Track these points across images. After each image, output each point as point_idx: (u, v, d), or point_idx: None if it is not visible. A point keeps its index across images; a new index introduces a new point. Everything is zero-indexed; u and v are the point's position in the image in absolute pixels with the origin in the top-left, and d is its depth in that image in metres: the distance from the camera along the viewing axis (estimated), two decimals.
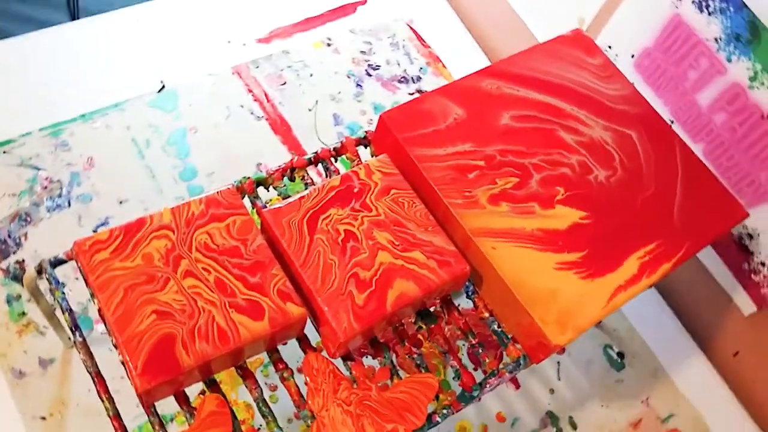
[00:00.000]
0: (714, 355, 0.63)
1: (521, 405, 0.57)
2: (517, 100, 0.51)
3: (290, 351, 0.43)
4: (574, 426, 0.57)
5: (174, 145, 0.61)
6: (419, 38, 0.73)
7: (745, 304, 0.58)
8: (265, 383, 0.53)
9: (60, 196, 0.56)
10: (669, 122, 0.58)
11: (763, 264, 0.56)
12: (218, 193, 0.44)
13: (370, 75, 0.70)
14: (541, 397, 0.57)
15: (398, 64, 0.71)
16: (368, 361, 0.50)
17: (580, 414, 0.57)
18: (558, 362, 0.59)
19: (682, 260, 0.47)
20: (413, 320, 0.46)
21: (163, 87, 0.63)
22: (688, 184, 0.50)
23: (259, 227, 0.44)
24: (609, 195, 0.49)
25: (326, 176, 0.50)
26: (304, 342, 0.44)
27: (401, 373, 0.44)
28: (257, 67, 0.67)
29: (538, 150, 0.49)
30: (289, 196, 0.47)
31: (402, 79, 0.71)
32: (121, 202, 0.57)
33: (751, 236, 0.56)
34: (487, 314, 0.47)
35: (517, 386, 0.57)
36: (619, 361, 0.60)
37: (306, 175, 0.50)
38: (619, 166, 0.50)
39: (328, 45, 0.71)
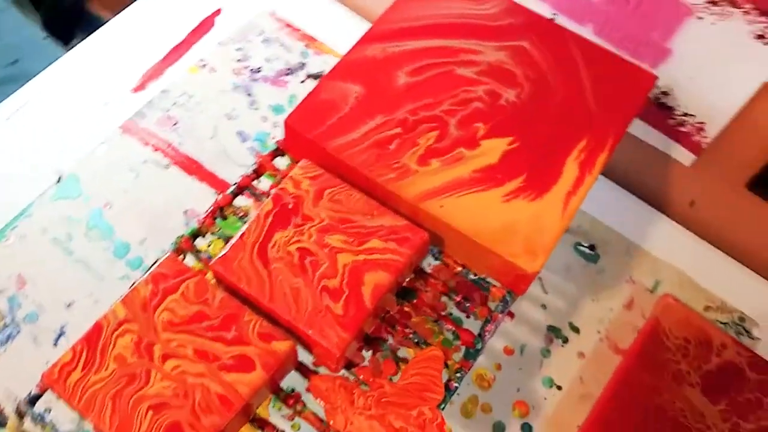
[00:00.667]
0: (673, 212, 0.65)
1: (522, 332, 0.58)
2: (405, 56, 0.51)
3: (291, 378, 0.43)
4: (576, 330, 0.58)
5: (95, 229, 0.58)
6: (288, 25, 0.72)
7: (683, 155, 0.60)
8: (282, 416, 0.52)
9: (6, 326, 0.53)
10: (552, 18, 0.58)
11: (685, 115, 0.57)
12: (160, 265, 0.42)
13: (255, 80, 0.68)
14: (537, 317, 0.59)
15: (278, 58, 0.70)
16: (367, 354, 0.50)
17: (576, 317, 0.59)
18: (540, 278, 0.60)
19: (614, 144, 0.48)
20: (396, 303, 0.46)
21: (61, 177, 0.60)
22: (592, 70, 0.51)
23: (214, 281, 0.43)
24: (525, 112, 0.49)
25: (256, 201, 0.49)
26: (302, 369, 0.43)
27: (404, 351, 0.45)
28: (143, 117, 0.65)
29: (443, 95, 0.49)
30: (228, 237, 0.46)
31: (288, 72, 0.69)
32: (69, 306, 0.55)
33: (666, 93, 0.57)
34: (459, 268, 0.47)
35: (512, 317, 0.58)
36: (592, 254, 0.62)
37: (236, 208, 0.49)
38: (524, 80, 0.50)
39: (203, 66, 0.68)
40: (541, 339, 0.58)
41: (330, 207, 0.45)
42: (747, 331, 0.59)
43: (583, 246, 0.62)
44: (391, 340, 0.45)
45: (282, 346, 0.40)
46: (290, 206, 0.45)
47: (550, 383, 0.56)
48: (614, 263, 0.62)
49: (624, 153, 0.63)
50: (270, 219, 0.44)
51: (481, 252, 0.45)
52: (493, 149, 0.47)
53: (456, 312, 0.56)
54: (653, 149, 0.61)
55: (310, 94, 0.49)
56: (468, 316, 0.52)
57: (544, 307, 0.59)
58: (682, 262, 0.62)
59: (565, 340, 0.58)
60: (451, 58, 0.51)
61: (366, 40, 0.52)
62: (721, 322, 0.60)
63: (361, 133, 0.47)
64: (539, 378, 0.57)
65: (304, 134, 0.47)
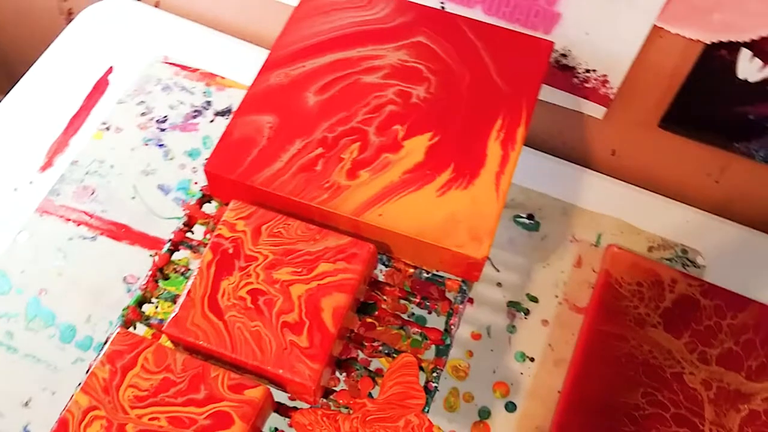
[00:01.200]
0: (598, 165, 0.67)
1: (484, 314, 0.59)
2: (309, 76, 0.51)
3: (273, 419, 0.43)
4: (535, 299, 0.60)
5: (36, 319, 0.56)
6: (184, 68, 0.70)
7: (595, 110, 0.62)
8: None
9: None
10: (441, 7, 0.59)
11: (588, 71, 0.59)
12: (112, 342, 0.41)
13: (164, 130, 0.67)
14: (495, 295, 0.60)
15: (182, 103, 0.68)
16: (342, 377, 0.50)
17: (532, 286, 0.60)
18: (488, 258, 0.61)
19: (529, 116, 0.49)
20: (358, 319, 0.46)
21: None
22: (491, 50, 0.52)
23: (171, 346, 0.42)
24: (438, 105, 0.49)
25: (194, 253, 0.48)
26: (281, 409, 0.43)
27: (378, 362, 0.45)
28: (58, 194, 0.62)
29: (356, 106, 0.49)
30: (175, 296, 0.45)
31: (195, 114, 0.68)
32: (26, 404, 0.53)
33: (565, 55, 0.59)
34: (411, 270, 0.47)
35: (472, 302, 0.59)
36: (532, 222, 0.63)
37: (176, 265, 0.47)
38: (429, 74, 0.51)
39: (108, 129, 0.66)
40: (503, 317, 0.59)
41: (270, 242, 0.44)
42: (692, 262, 0.62)
43: (521, 217, 0.63)
44: (362, 356, 0.45)
45: (256, 393, 0.39)
46: (230, 251, 0.44)
47: (523, 357, 0.57)
48: (554, 226, 0.63)
49: (539, 120, 0.64)
50: (213, 269, 0.43)
51: (428, 249, 0.45)
52: (416, 148, 0.48)
53: (418, 311, 0.56)
54: (565, 110, 0.63)
55: (223, 135, 0.48)
56: (430, 313, 0.52)
57: (499, 285, 0.60)
58: (618, 210, 0.64)
59: (527, 312, 0.59)
60: (355, 68, 0.51)
61: (267, 68, 0.51)
62: (667, 259, 0.62)
63: (284, 161, 0.47)
64: (511, 355, 0.57)
65: (227, 176, 0.47)
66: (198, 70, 0.70)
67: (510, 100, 0.50)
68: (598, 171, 0.66)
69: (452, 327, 0.46)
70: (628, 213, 0.64)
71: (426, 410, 0.42)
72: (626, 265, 0.60)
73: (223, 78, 0.70)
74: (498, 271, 0.61)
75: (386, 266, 0.48)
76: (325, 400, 0.43)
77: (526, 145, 0.63)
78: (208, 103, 0.68)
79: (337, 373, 0.44)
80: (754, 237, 0.63)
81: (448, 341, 0.46)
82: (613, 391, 0.54)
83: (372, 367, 0.45)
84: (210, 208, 0.50)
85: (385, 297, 0.47)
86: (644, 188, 0.65)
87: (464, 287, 0.47)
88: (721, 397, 0.54)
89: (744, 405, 0.54)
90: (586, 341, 0.56)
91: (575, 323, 0.58)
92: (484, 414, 0.55)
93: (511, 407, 0.56)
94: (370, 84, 0.50)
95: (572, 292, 0.60)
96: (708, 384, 0.55)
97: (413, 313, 0.57)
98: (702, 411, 0.54)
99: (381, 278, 0.48)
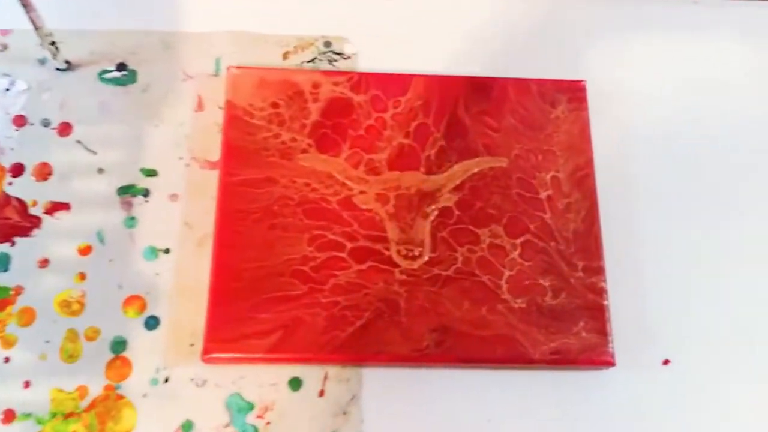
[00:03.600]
0: None
1: (89, 217, 0.43)
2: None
3: None
4: (153, 173, 0.44)
5: None
6: None
7: None
8: None
9: None
10: None
11: None
12: None
13: None
14: (98, 186, 0.43)
15: None
16: None
17: (145, 157, 0.45)
18: (79, 141, 0.44)
19: None
20: None
21: None
22: None
23: None
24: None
25: None
26: None
27: None
28: None
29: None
30: None
31: None
32: None
33: None
34: None
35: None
36: (125, 73, 0.46)
37: None
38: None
39: None
40: (117, 211, 0.43)
41: None
42: (339, 54, 0.48)
43: (109, 71, 0.46)
44: None
45: None
46: None
47: (154, 252, 0.42)
48: (157, 69, 0.46)
49: None
50: None
51: None
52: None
53: None
54: None
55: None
56: None
57: (101, 171, 0.44)
58: (235, 21, 0.48)
59: (146, 193, 0.44)
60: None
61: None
62: (309, 62, 0.47)
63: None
64: (138, 255, 0.42)
65: None
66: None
67: None
68: None
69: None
70: (249, 20, 0.48)
71: None
72: (252, 86, 0.45)
73: None
74: (95, 153, 0.44)
75: None
76: None
77: None
78: None
79: None
80: None
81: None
82: (272, 252, 0.41)
83: None
84: None
85: None
86: None
87: None
88: (401, 208, 0.42)
89: (431, 206, 0.42)
90: (226, 201, 0.42)
91: (212, 184, 0.43)
92: (119, 346, 0.40)
93: (152, 323, 0.41)
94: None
95: (199, 145, 0.45)
96: (384, 197, 0.43)
97: None
98: (384, 233, 0.42)
99: None
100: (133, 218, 0.43)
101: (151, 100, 0.46)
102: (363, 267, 0.41)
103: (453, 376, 0.41)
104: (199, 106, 0.46)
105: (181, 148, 0.45)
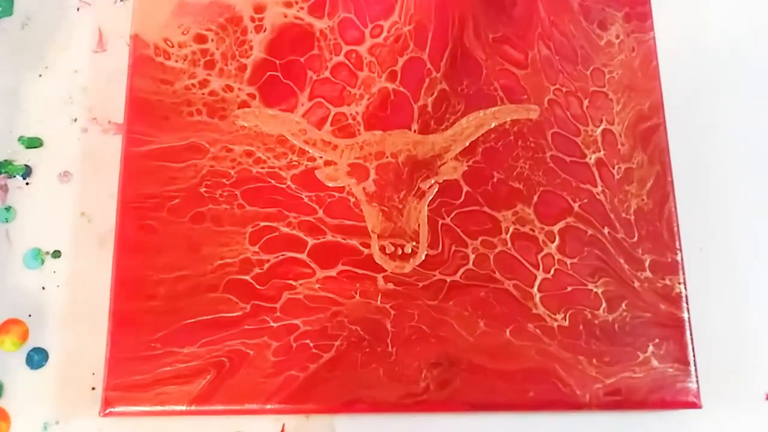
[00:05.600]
0: None
1: None
2: None
3: None
4: (36, 143, 0.32)
5: None
6: None
7: None
8: None
9: None
10: None
11: None
12: None
13: None
14: None
15: None
16: None
17: (25, 121, 0.32)
18: None
19: None
20: None
21: None
22: None
23: None
24: None
25: None
26: None
27: None
28: None
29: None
30: None
31: None
32: None
33: None
34: None
35: None
36: None
37: None
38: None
39: None
40: None
41: None
42: None
43: None
44: None
45: None
46: None
47: (39, 257, 0.30)
48: None
49: None
50: None
51: None
52: None
53: None
54: None
55: None
56: None
57: None
58: None
59: (27, 172, 0.31)
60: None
61: None
62: None
63: None
64: (17, 262, 0.30)
65: None
66: None
67: None
68: None
69: None
70: None
71: None
72: (168, 12, 0.31)
73: None
74: None
75: None
76: None
77: None
78: None
79: None
80: None
81: None
82: (198, 256, 0.28)
83: None
84: None
85: None
86: None
87: None
88: (386, 184, 0.29)
89: (428, 180, 0.29)
90: (130, 184, 0.29)
91: (112, 151, 0.31)
92: None
93: (37, 359, 0.29)
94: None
95: (101, 101, 0.32)
96: (360, 169, 0.30)
97: None
98: (361, 221, 0.29)
99: None
100: (8, 209, 0.31)
101: (32, 39, 0.33)
102: (331, 273, 0.28)
103: (462, 425, 0.29)
104: (100, 45, 0.33)
105: (75, 105, 0.32)
